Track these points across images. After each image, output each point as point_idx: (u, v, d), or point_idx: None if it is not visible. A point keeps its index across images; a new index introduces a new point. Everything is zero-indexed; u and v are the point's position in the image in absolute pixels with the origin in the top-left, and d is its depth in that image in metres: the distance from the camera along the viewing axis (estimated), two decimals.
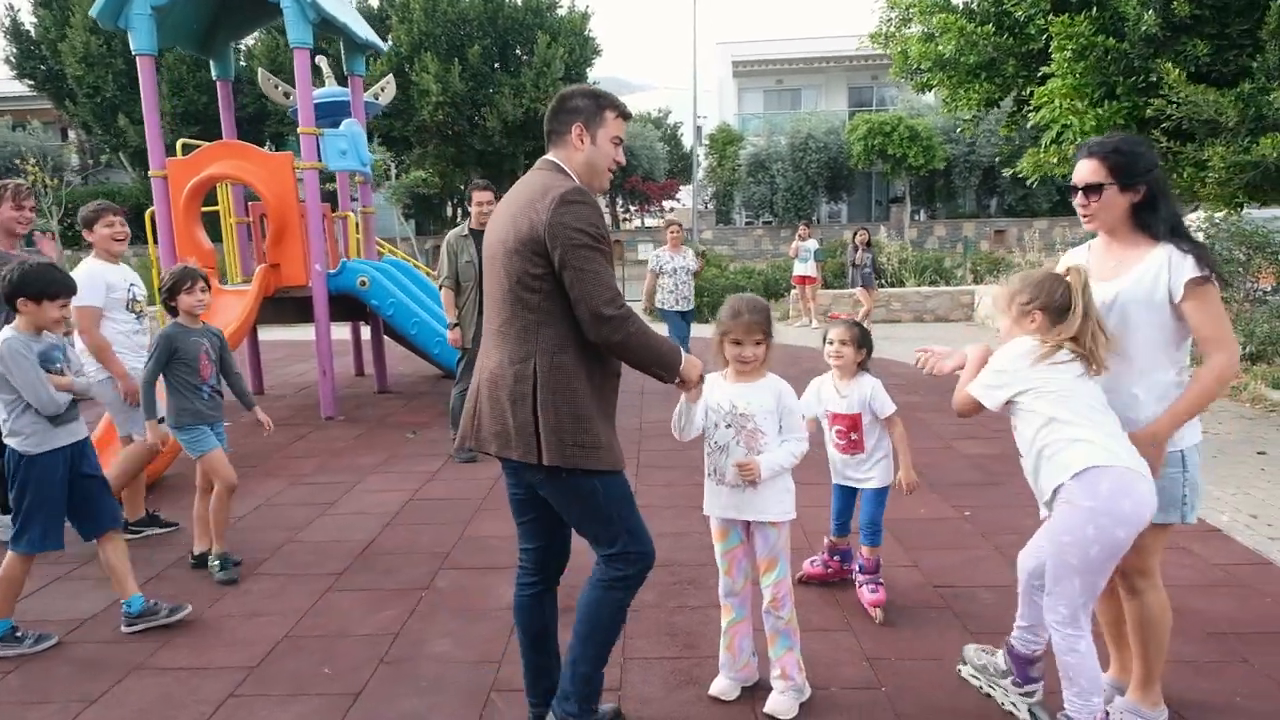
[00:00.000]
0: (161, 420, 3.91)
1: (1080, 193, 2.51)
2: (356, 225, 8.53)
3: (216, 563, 3.90)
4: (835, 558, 3.68)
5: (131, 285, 4.48)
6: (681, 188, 32.66)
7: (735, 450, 2.67)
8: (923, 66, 6.92)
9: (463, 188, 28.34)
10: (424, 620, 3.43)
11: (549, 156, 2.38)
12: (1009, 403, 2.41)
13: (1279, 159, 5.11)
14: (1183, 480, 2.42)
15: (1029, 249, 18.41)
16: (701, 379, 2.49)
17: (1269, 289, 9.75)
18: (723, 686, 2.83)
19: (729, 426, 2.68)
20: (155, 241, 7.18)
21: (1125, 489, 2.17)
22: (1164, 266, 2.35)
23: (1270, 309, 8.86)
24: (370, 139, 24.81)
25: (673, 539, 4.12)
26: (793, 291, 13.22)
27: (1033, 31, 6.46)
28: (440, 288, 5.88)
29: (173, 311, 3.89)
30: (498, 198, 5.97)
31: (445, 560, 4.08)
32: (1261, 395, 6.95)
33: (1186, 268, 2.33)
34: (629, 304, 2.28)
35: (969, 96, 6.82)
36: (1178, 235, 2.40)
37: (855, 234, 11.80)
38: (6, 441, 3.23)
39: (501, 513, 4.76)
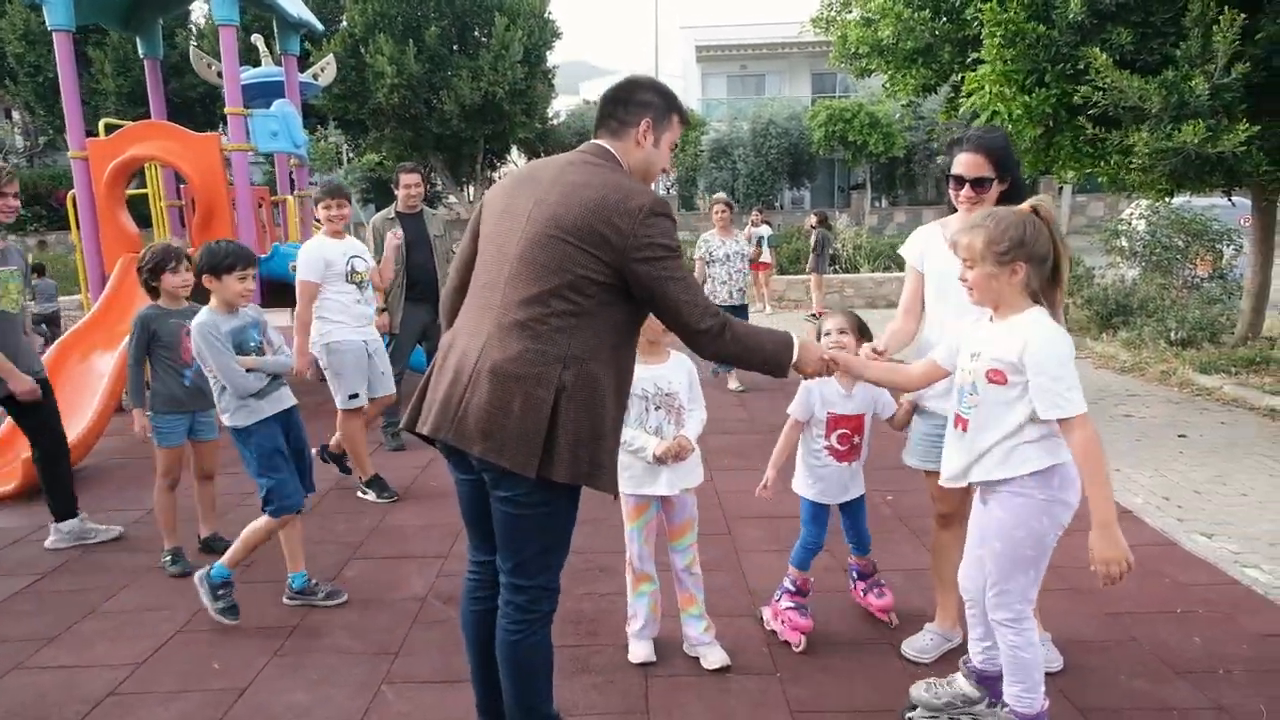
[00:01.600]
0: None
1: (968, 185, 2.52)
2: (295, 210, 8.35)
3: (168, 557, 3.83)
4: (806, 595, 3.18)
5: (353, 258, 4.71)
6: None
7: (668, 429, 2.78)
8: (860, 51, 6.91)
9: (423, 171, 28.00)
10: (325, 612, 3.36)
11: (603, 144, 2.19)
12: (1008, 382, 2.15)
13: (1199, 145, 5.17)
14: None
15: None
16: (826, 363, 2.32)
17: (1204, 276, 9.94)
18: (646, 651, 2.95)
19: (659, 408, 2.78)
20: (77, 226, 6.96)
21: (1071, 480, 2.17)
22: None
23: (1202, 295, 9.03)
24: (324, 122, 24.46)
25: (592, 525, 4.09)
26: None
27: (968, 17, 6.49)
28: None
29: (154, 293, 3.78)
30: (425, 180, 5.87)
31: (357, 550, 4.02)
32: (1189, 380, 7.08)
33: None
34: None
35: (906, 82, 6.82)
36: None
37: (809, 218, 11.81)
38: (221, 418, 3.35)
39: (421, 502, 4.70)
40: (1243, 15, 5.01)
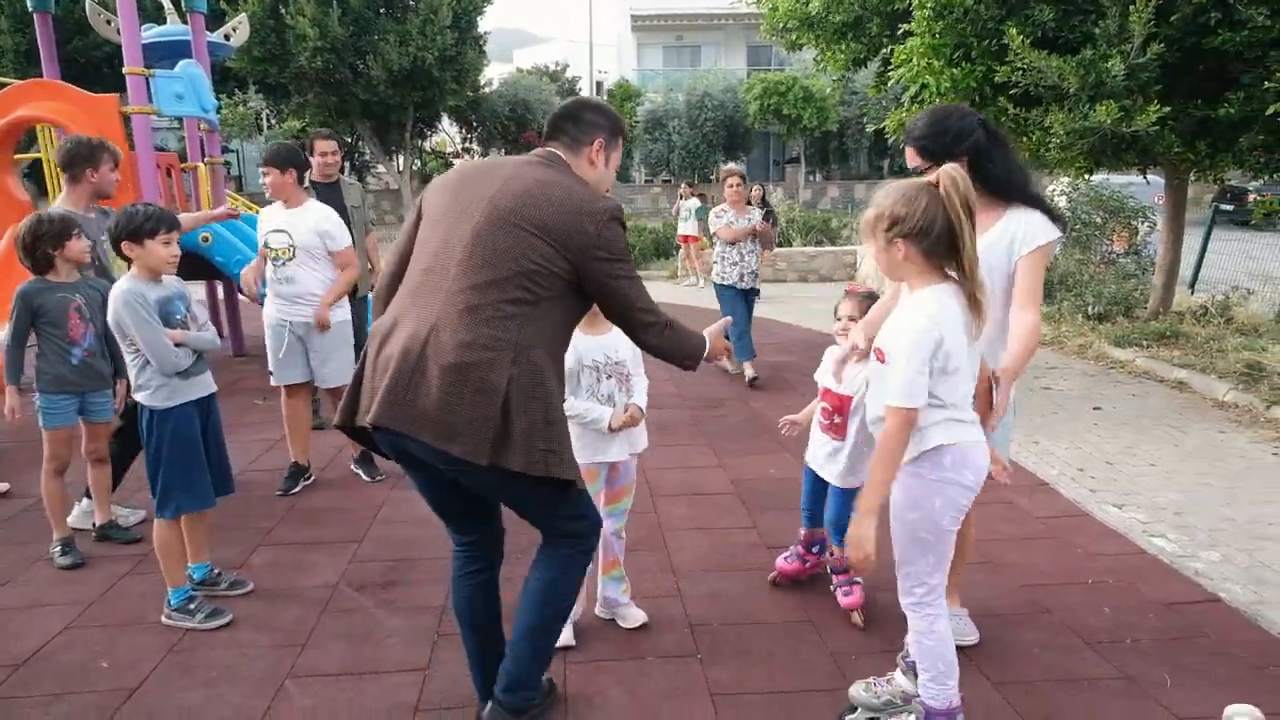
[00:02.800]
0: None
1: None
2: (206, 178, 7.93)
3: (58, 548, 3.58)
4: (814, 549, 3.26)
5: (271, 232, 4.34)
6: None
7: (619, 397, 2.81)
8: (790, 24, 6.84)
9: (350, 140, 27.09)
10: (229, 602, 3.19)
11: (558, 152, 2.26)
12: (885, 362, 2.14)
13: (1114, 125, 5.27)
14: (1011, 424, 2.60)
15: None
16: (726, 350, 2.52)
17: (1120, 251, 10.26)
18: (568, 634, 2.87)
19: (609, 377, 2.79)
20: None
21: (965, 459, 2.09)
22: (1019, 224, 2.47)
23: (1118, 270, 9.31)
24: (244, 86, 23.40)
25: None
26: (679, 250, 13.19)
27: None
28: None
29: (42, 265, 3.47)
30: (344, 148, 5.60)
31: (267, 536, 3.84)
32: (1104, 353, 7.30)
33: (1040, 228, 2.44)
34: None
35: (835, 56, 6.78)
36: (1024, 195, 2.50)
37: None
38: (135, 397, 3.07)
39: (337, 484, 4.53)
40: None
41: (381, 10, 22.60)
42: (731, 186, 6.52)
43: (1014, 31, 5.44)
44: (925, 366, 1.99)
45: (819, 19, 6.66)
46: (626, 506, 2.99)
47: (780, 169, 30.31)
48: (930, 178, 2.03)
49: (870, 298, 2.96)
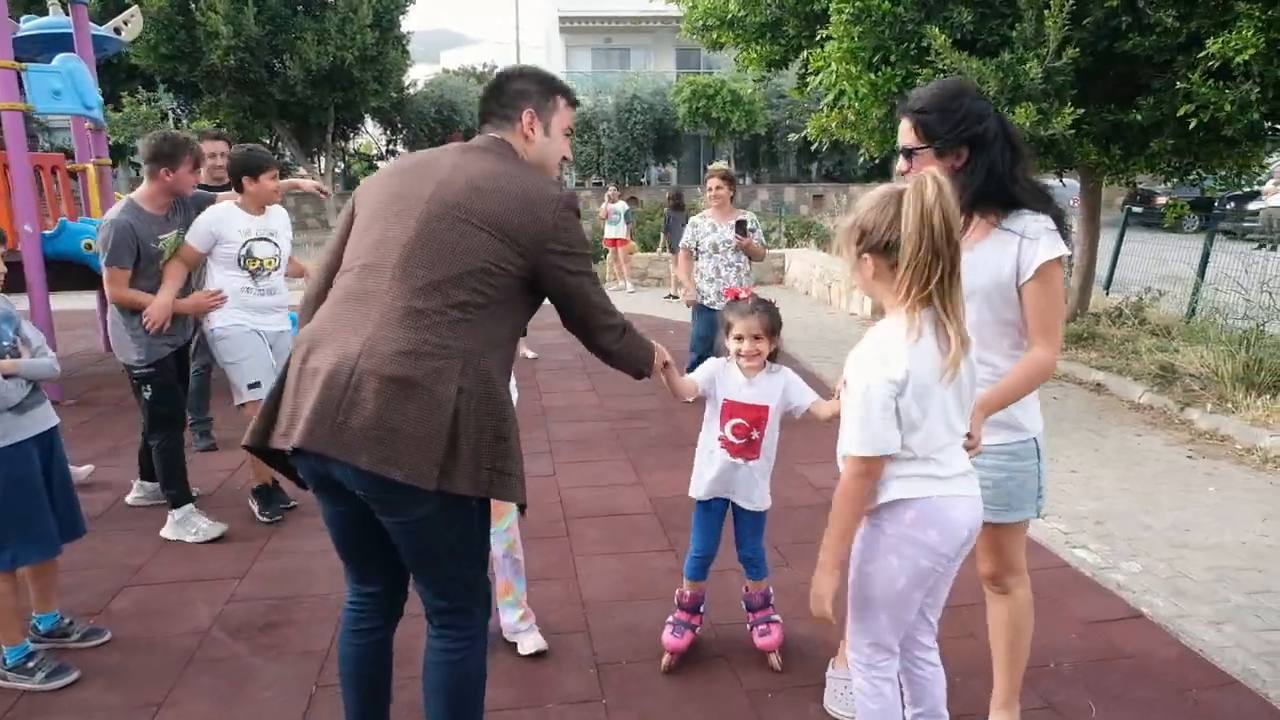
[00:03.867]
0: None
1: (903, 157, 2.13)
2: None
3: None
4: (698, 613, 2.87)
5: (254, 240, 3.89)
6: None
7: None
8: (709, 23, 6.70)
9: (266, 142, 26.11)
10: (78, 656, 2.84)
11: (497, 136, 2.03)
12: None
13: (1032, 128, 5.25)
14: (1038, 471, 2.16)
15: (836, 213, 19.13)
16: (666, 364, 2.31)
17: None
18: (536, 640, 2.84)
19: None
20: None
21: (932, 517, 1.80)
22: (1017, 240, 2.02)
23: None
24: (152, 84, 22.31)
25: None
26: (607, 254, 12.98)
27: None
28: None
29: None
30: (230, 147, 5.21)
31: (135, 575, 3.47)
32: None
33: (1042, 244, 1.99)
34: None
35: (754, 56, 6.67)
36: (1031, 203, 2.05)
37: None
38: None
39: (223, 512, 4.16)
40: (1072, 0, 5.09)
41: (299, 8, 21.85)
42: (715, 190, 5.50)
43: (935, 31, 5.39)
44: (888, 412, 1.71)
45: (738, 18, 6.53)
46: (508, 525, 2.81)
47: None
48: (909, 181, 1.74)
49: (767, 310, 2.65)
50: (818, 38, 6.27)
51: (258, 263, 3.91)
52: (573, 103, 2.13)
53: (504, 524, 2.81)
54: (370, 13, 21.63)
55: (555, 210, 1.88)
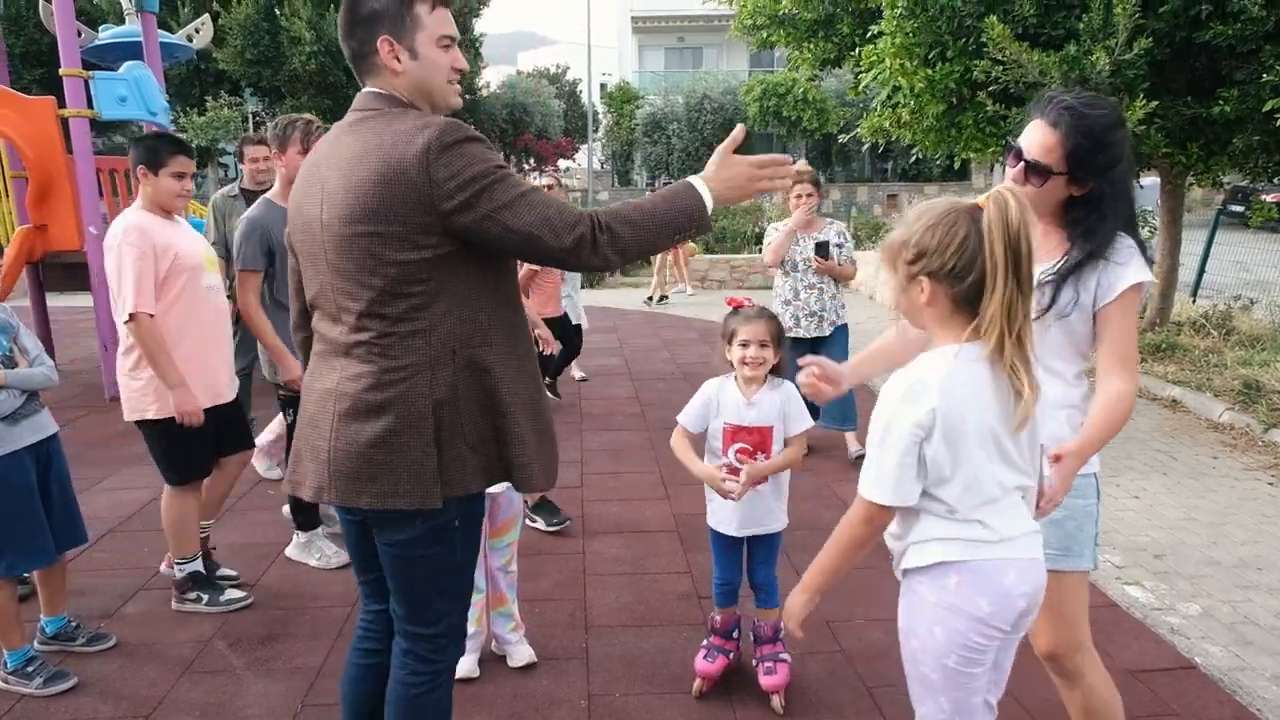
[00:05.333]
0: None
1: (1022, 164, 1.83)
2: None
3: None
4: (734, 635, 2.75)
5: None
6: (580, 147, 31.82)
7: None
8: (759, 22, 6.49)
9: None
10: (80, 661, 2.87)
11: (372, 89, 1.72)
12: None
13: None
14: (1095, 513, 1.94)
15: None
16: (760, 170, 1.74)
17: None
18: (469, 665, 2.74)
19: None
20: None
21: (981, 584, 1.55)
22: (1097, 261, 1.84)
23: None
24: (238, 89, 23.20)
25: None
26: (658, 258, 12.80)
27: None
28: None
29: None
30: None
31: (153, 579, 3.51)
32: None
33: (1127, 267, 1.81)
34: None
35: (805, 55, 6.43)
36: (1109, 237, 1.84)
37: None
38: None
39: (250, 516, 4.20)
40: None
41: None
42: (801, 198, 4.56)
43: (994, 20, 5.07)
44: (908, 457, 1.52)
45: (789, 16, 6.31)
46: (509, 541, 2.78)
47: None
48: (980, 199, 1.53)
49: (773, 317, 2.53)
50: (870, 34, 6.00)
51: None
52: (440, 2, 1.72)
53: (505, 539, 2.77)
54: None
55: (429, 161, 1.56)
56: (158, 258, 2.93)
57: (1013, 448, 1.56)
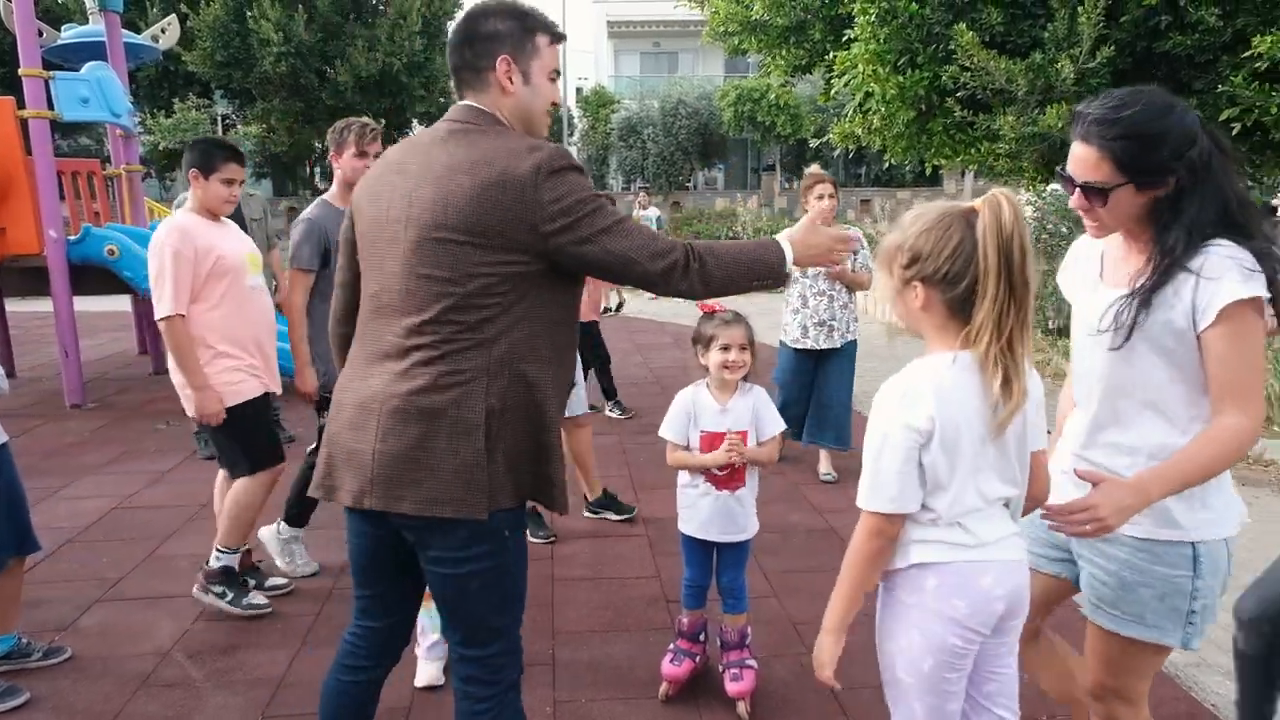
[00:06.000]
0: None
1: (1078, 192, 1.66)
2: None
3: None
4: (701, 638, 2.76)
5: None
6: None
7: None
8: (732, 29, 6.52)
9: (317, 145, 26.63)
10: (33, 677, 2.79)
11: (470, 104, 1.76)
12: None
13: (1062, 130, 4.97)
14: (1191, 588, 1.66)
15: (879, 220, 18.75)
16: (835, 245, 1.86)
17: None
18: (434, 672, 2.73)
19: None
20: None
21: (959, 586, 1.54)
22: (1193, 275, 1.60)
23: None
24: (208, 91, 22.94)
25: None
26: None
27: None
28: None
29: None
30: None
31: (110, 589, 3.44)
32: (1063, 369, 6.99)
33: (1227, 280, 1.55)
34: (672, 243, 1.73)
35: (777, 62, 6.47)
36: (1220, 234, 1.61)
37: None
38: None
39: (211, 524, 4.11)
40: None
41: (350, 15, 22.25)
42: (825, 200, 4.27)
43: (963, 28, 5.13)
44: (909, 464, 1.50)
45: (761, 23, 6.34)
46: None
47: (757, 176, 30.08)
48: (975, 203, 1.50)
49: (745, 320, 2.54)
50: (843, 39, 6.04)
51: None
52: (557, 38, 1.81)
53: None
54: (419, 20, 21.90)
55: (537, 184, 1.61)
56: (199, 259, 3.00)
57: (1001, 457, 1.55)
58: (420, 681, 2.70)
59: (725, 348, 2.50)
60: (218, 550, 3.21)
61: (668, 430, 2.59)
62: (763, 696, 2.65)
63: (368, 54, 21.53)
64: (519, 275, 1.65)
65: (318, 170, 29.19)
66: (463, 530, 1.66)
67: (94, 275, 6.54)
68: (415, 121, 26.23)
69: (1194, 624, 1.68)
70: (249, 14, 20.75)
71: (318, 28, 21.24)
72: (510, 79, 1.74)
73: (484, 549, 1.69)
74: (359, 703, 1.91)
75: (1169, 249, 1.60)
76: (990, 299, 1.45)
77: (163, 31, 8.66)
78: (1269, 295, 1.56)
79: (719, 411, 2.54)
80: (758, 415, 2.56)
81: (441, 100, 25.05)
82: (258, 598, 3.23)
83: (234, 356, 3.10)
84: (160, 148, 19.85)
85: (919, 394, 1.50)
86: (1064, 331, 7.84)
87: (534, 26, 1.76)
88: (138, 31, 9.45)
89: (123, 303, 8.62)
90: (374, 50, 21.63)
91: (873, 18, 5.67)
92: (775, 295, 4.30)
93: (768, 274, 1.78)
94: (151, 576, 3.56)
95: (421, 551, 1.72)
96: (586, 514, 4.11)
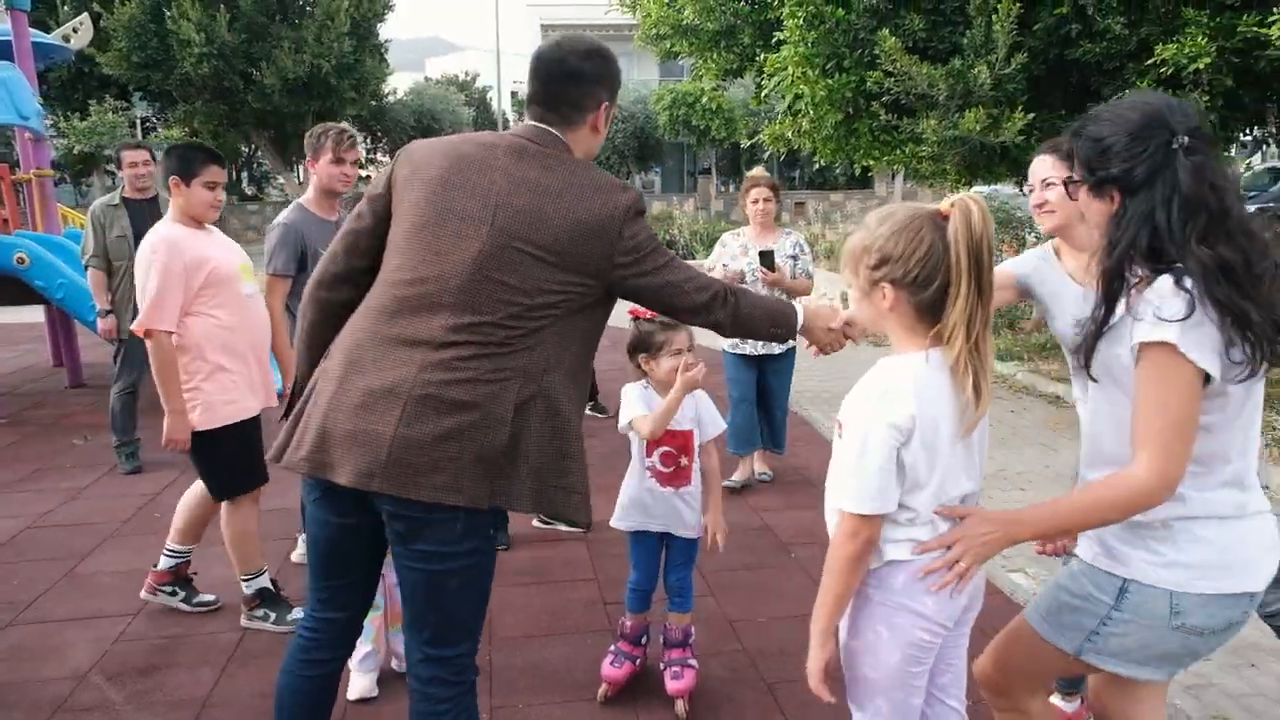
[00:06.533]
0: None
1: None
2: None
3: None
4: (643, 641, 2.76)
5: None
6: None
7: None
8: (663, 32, 6.58)
9: (243, 149, 25.89)
10: None
11: (550, 130, 1.81)
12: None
13: (981, 134, 5.14)
14: (1105, 616, 1.60)
15: (813, 222, 19.10)
16: (838, 333, 2.08)
17: None
18: (367, 684, 2.70)
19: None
20: None
21: (925, 581, 1.56)
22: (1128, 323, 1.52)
23: None
24: (126, 93, 22.10)
25: None
26: None
27: (770, 0, 6.28)
28: (87, 268, 4.93)
29: None
30: (154, 159, 5.06)
31: (24, 610, 3.29)
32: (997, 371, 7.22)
33: (1147, 316, 1.44)
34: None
35: (709, 65, 6.55)
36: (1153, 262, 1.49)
37: None
38: None
39: (133, 540, 3.98)
40: (1019, 6, 4.98)
41: (275, 16, 21.71)
42: (759, 205, 4.31)
43: (886, 33, 5.27)
44: (890, 463, 1.50)
45: (692, 27, 6.41)
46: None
47: (694, 180, 30.33)
48: (942, 206, 1.51)
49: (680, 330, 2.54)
50: (773, 41, 6.15)
51: None
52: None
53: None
54: (347, 21, 21.47)
55: (623, 223, 1.74)
56: (191, 272, 2.89)
57: (967, 455, 1.58)
58: (353, 694, 2.65)
59: (679, 351, 2.50)
60: (241, 579, 3.12)
61: (630, 413, 2.54)
62: (699, 692, 2.67)
63: (295, 56, 21.01)
64: (579, 295, 1.75)
65: (244, 174, 28.42)
66: (460, 523, 1.68)
67: (4, 285, 6.24)
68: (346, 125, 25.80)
69: (1092, 641, 1.63)
70: (168, 14, 20.08)
71: (241, 28, 20.65)
72: (603, 121, 1.85)
73: (473, 544, 1.71)
74: (318, 699, 1.92)
75: (1102, 280, 1.54)
76: (962, 302, 1.46)
77: (74, 31, 8.34)
78: (1180, 340, 1.40)
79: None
80: (700, 416, 2.62)
81: (374, 103, 24.64)
82: (299, 612, 3.04)
83: (232, 370, 2.97)
84: (75, 151, 19.06)
85: (900, 392, 1.50)
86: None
87: (620, 81, 1.92)
88: (48, 31, 9.08)
89: (36, 313, 8.24)
90: (301, 52, 21.13)
91: (801, 22, 5.78)
92: None
93: (779, 325, 1.99)
94: (68, 597, 3.41)
95: (407, 545, 1.71)
96: (537, 524, 4.05)
